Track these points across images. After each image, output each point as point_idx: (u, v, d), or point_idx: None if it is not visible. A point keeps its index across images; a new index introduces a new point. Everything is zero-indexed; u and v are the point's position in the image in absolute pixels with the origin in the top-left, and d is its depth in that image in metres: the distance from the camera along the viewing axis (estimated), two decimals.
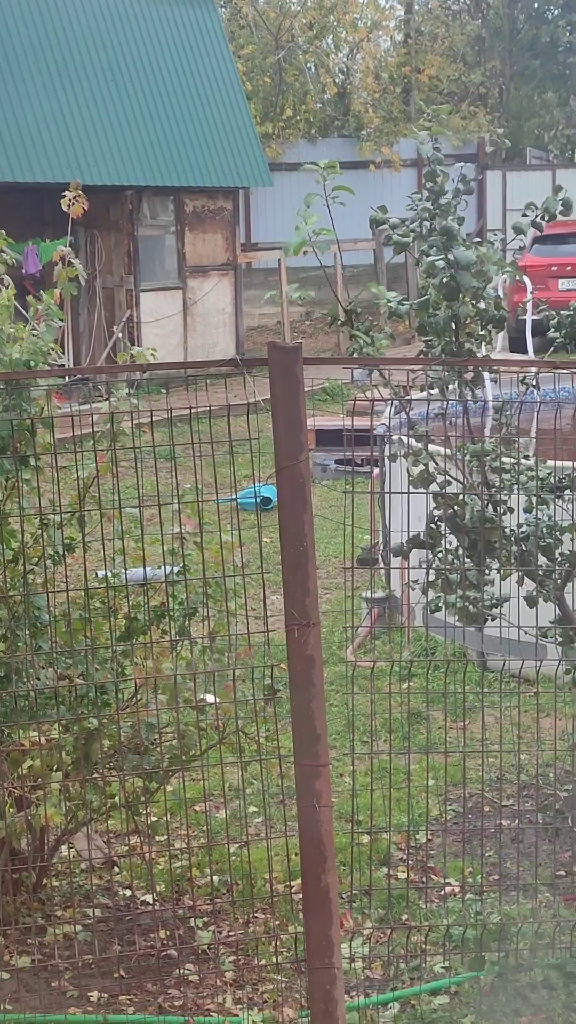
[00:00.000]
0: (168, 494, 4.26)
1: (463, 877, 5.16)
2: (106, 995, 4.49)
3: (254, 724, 4.64)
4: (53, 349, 4.69)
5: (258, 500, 4.51)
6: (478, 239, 5.20)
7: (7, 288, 4.89)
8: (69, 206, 4.99)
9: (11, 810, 4.65)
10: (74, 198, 4.99)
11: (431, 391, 4.90)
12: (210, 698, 4.65)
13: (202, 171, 19.76)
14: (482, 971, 4.41)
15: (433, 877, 5.33)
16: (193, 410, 4.01)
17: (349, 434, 4.46)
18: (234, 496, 4.06)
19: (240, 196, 21.95)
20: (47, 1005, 4.38)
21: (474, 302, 4.88)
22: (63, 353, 4.80)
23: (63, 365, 4.72)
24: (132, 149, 18.77)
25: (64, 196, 5.02)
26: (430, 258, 4.80)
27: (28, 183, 17.23)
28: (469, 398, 4.88)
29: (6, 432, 4.37)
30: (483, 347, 5.13)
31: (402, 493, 4.54)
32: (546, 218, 5.01)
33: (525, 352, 13.22)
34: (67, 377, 5.59)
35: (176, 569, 4.62)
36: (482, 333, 5.03)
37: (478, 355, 5.04)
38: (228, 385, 4.03)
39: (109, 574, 4.59)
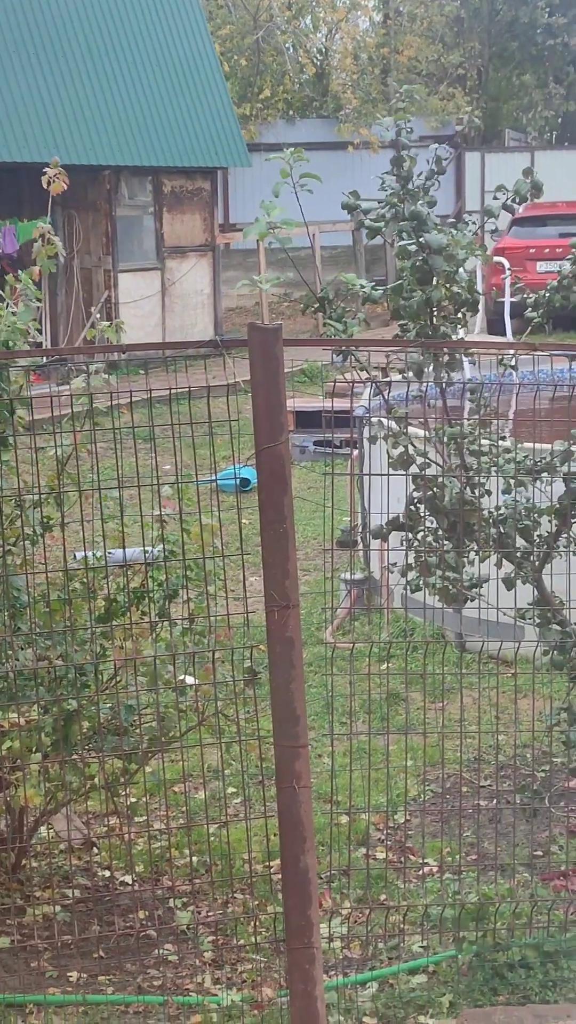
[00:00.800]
0: (147, 475, 4.25)
1: (441, 857, 5.18)
2: (85, 975, 4.50)
3: (234, 705, 4.64)
4: (34, 327, 4.65)
5: (237, 481, 4.51)
6: (453, 220, 5.20)
7: None
8: (49, 183, 4.94)
9: None
10: (55, 175, 4.94)
11: (408, 374, 4.90)
12: (190, 680, 4.64)
13: (180, 151, 19.67)
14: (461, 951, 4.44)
15: (411, 857, 5.35)
16: (172, 391, 4.00)
17: (328, 416, 4.46)
18: (214, 477, 4.05)
19: (218, 177, 21.86)
20: (26, 985, 4.38)
21: (447, 285, 4.87)
22: (40, 332, 4.79)
23: (40, 345, 4.70)
24: (110, 129, 18.67)
25: (44, 173, 4.97)
26: (402, 242, 4.80)
27: (5, 162, 17.13)
28: (447, 380, 4.88)
29: None
30: (459, 330, 5.12)
31: (381, 475, 4.54)
32: (517, 201, 5.00)
33: (503, 334, 13.24)
34: (45, 358, 5.56)
35: (157, 550, 4.61)
36: (457, 316, 5.02)
37: (453, 338, 5.03)
38: (207, 366, 4.02)
39: (90, 555, 4.57)
